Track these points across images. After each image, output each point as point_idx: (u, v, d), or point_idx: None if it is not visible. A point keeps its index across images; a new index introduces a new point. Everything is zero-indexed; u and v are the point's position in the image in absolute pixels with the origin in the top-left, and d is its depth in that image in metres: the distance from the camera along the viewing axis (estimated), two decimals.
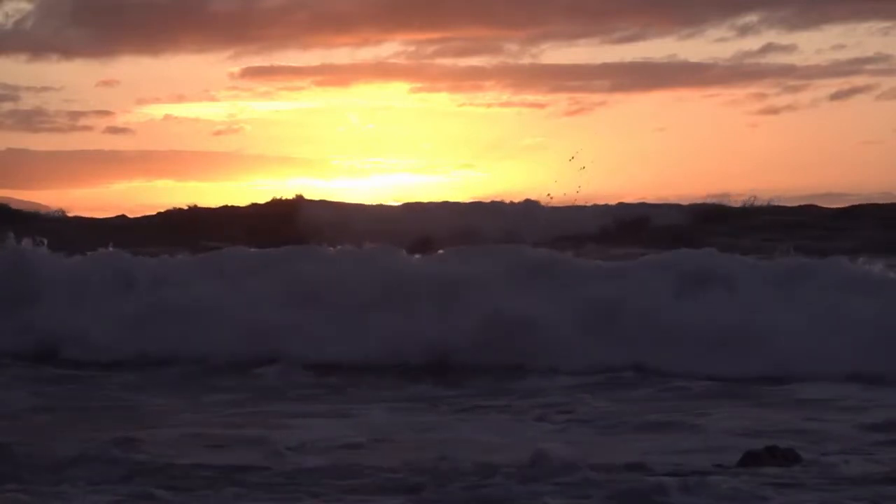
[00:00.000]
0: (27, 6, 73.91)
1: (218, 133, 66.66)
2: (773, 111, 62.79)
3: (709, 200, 44.08)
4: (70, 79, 70.73)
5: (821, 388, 13.81)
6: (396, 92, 65.71)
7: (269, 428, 11.48)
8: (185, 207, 43.98)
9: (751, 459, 9.53)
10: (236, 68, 74.96)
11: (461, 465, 9.28)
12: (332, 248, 18.42)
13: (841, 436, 11.06)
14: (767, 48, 61.92)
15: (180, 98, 64.91)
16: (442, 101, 65.10)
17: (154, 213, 44.16)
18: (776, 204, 43.68)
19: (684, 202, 44.52)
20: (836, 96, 61.20)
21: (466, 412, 12.85)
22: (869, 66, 74.91)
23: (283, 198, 44.64)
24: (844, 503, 8.13)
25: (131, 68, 71.17)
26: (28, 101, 75.81)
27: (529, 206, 43.24)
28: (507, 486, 8.54)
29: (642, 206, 43.74)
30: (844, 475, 8.93)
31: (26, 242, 19.03)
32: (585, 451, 10.06)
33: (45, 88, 73.11)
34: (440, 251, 18.28)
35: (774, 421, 11.88)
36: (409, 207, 44.86)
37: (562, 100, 72.95)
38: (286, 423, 11.88)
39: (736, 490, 8.34)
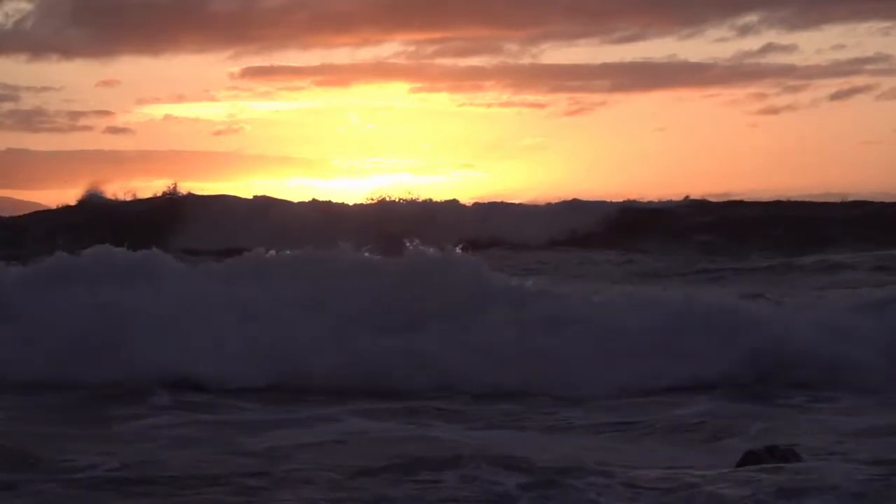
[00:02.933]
0: (27, 6, 74.46)
1: (218, 133, 67.16)
2: (773, 111, 63.33)
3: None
4: (70, 79, 71.22)
5: None
6: (396, 92, 66.21)
7: None
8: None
9: (751, 459, 9.74)
10: (236, 68, 75.68)
11: None
12: None
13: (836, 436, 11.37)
14: (767, 48, 62.66)
15: (180, 98, 65.38)
16: (442, 101, 65.55)
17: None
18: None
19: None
20: (836, 96, 61.88)
21: None
22: (869, 66, 75.59)
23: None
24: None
25: (131, 68, 71.74)
26: (28, 101, 76.42)
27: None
28: None
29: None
30: (844, 475, 9.10)
31: None
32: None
33: (45, 88, 73.67)
34: None
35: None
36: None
37: (562, 100, 73.49)
38: None
39: (737, 490, 8.59)
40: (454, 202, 45.17)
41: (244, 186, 63.93)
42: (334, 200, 46.37)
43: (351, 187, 59.17)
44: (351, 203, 46.17)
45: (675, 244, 39.55)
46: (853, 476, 9.02)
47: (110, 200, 44.84)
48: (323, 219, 42.15)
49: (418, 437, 11.59)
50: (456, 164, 66.04)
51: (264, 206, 44.79)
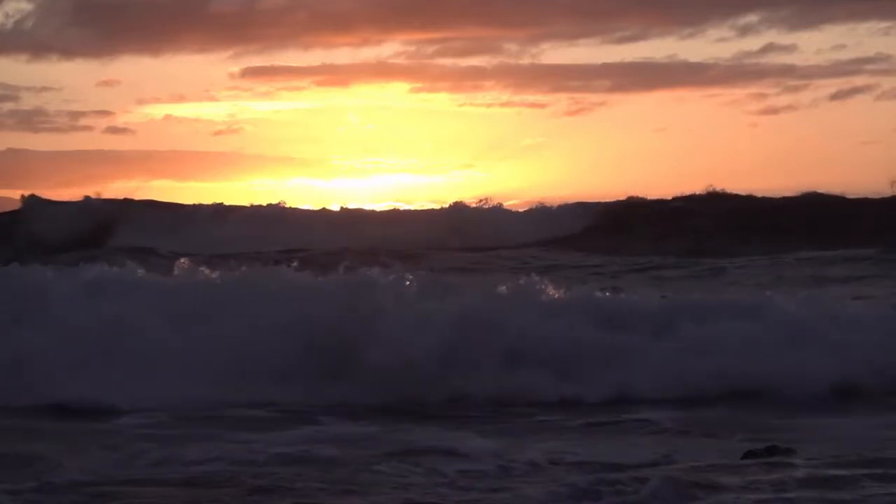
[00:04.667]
0: (27, 6, 74.55)
1: (218, 133, 67.17)
2: (773, 111, 63.45)
3: None
4: (70, 79, 71.31)
5: None
6: (396, 92, 66.32)
7: None
8: None
9: (752, 458, 10.15)
10: (236, 68, 75.65)
11: None
12: None
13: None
14: (767, 48, 62.77)
15: (180, 98, 65.39)
16: (442, 101, 65.67)
17: None
18: None
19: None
20: (836, 96, 61.96)
21: None
22: (869, 66, 75.73)
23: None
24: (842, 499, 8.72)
25: (131, 68, 71.80)
26: (28, 101, 76.51)
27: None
28: None
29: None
30: (841, 474, 9.41)
31: None
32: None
33: (45, 88, 73.69)
34: None
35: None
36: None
37: (562, 100, 73.59)
38: None
39: (738, 486, 8.93)
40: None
41: (244, 186, 64.03)
42: (334, 201, 46.69)
43: (351, 187, 59.19)
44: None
45: (668, 241, 39.59)
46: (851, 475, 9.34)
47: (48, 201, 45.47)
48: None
49: None
50: (456, 164, 66.22)
51: (207, 211, 45.20)
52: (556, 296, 16.18)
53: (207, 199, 47.41)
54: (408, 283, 16.23)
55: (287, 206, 46.25)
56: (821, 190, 44.06)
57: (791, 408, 13.67)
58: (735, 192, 44.73)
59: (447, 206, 45.92)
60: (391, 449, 10.81)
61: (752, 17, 72.49)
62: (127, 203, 45.43)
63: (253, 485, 9.32)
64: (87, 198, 45.33)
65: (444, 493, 9.03)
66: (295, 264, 16.84)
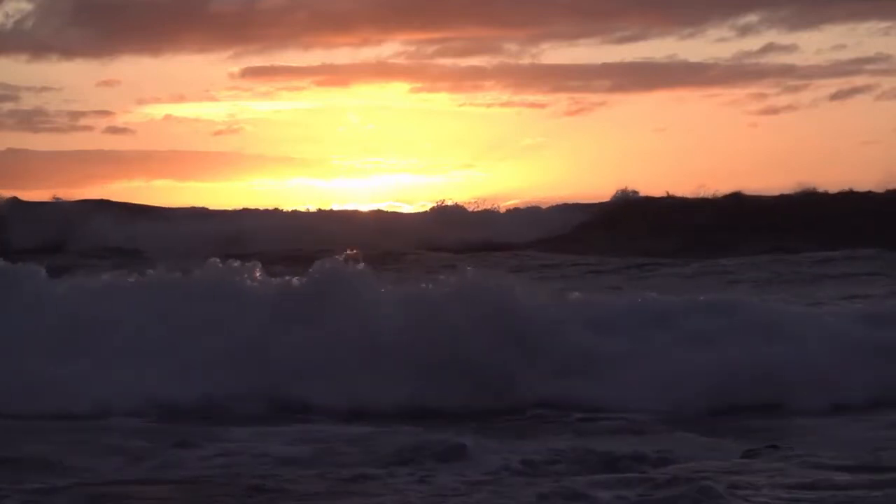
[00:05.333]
0: (27, 6, 74.69)
1: (218, 133, 67.33)
2: (773, 111, 63.57)
3: None
4: (70, 79, 71.50)
5: None
6: (396, 92, 66.46)
7: None
8: None
9: (751, 457, 10.30)
10: (236, 68, 75.85)
11: None
12: None
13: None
14: (767, 48, 62.95)
15: (180, 98, 65.48)
16: (442, 101, 65.81)
17: None
18: None
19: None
20: (836, 96, 62.10)
21: None
22: (869, 66, 75.85)
23: None
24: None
25: (131, 68, 72.00)
26: (28, 101, 76.73)
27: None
28: None
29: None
30: (841, 474, 9.54)
31: None
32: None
33: (45, 88, 73.92)
34: None
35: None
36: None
37: (562, 100, 73.75)
38: None
39: (738, 485, 9.02)
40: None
41: (244, 186, 64.08)
42: (334, 201, 46.78)
43: (351, 187, 59.29)
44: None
45: (665, 239, 39.65)
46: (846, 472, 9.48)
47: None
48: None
49: None
50: (456, 164, 66.39)
51: (183, 213, 45.32)
52: (550, 295, 16.19)
53: (207, 200, 47.70)
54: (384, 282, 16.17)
55: (275, 208, 46.52)
56: (820, 189, 44.18)
57: (789, 408, 13.65)
58: (733, 190, 44.93)
59: (434, 205, 46.13)
60: (391, 449, 10.88)
61: (752, 17, 72.79)
62: (102, 203, 45.59)
63: (253, 485, 9.40)
64: (56, 199, 45.55)
65: (445, 494, 9.09)
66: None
